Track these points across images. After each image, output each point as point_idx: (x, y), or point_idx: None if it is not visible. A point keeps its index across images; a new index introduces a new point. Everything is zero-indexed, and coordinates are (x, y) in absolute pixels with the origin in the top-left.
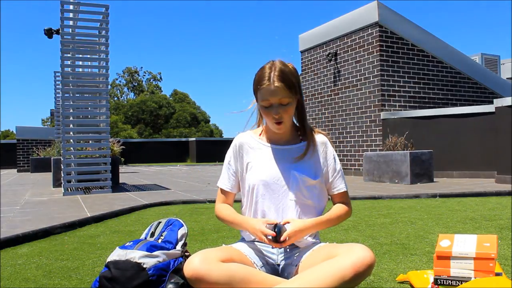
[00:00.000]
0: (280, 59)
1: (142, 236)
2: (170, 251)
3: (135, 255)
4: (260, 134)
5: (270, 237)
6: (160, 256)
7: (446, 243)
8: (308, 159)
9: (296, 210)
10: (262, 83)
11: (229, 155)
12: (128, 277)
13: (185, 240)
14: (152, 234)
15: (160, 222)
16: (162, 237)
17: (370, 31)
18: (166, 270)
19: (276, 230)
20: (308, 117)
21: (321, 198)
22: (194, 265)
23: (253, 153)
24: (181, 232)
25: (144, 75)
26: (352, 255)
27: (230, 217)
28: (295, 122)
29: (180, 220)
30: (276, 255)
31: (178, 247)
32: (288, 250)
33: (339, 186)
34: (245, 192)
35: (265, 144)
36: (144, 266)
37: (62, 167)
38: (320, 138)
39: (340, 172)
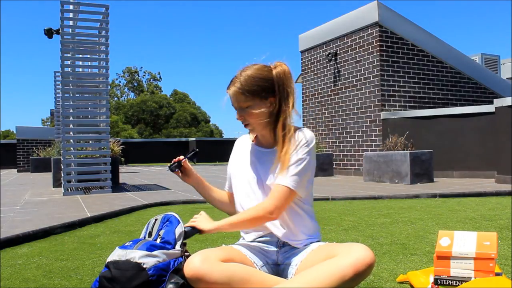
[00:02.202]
0: (263, 63)
1: (141, 236)
2: (170, 251)
3: (135, 255)
4: (255, 137)
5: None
6: (160, 256)
7: (446, 242)
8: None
9: None
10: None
11: (230, 157)
12: (128, 277)
13: (183, 239)
14: (150, 234)
15: (156, 220)
16: (160, 236)
17: (370, 31)
18: (166, 270)
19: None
20: (292, 121)
21: (304, 194)
22: (194, 265)
23: (241, 154)
24: (178, 231)
25: (144, 75)
26: (352, 255)
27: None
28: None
29: (176, 216)
30: (276, 255)
31: (177, 247)
32: (287, 249)
33: (279, 179)
34: (232, 190)
35: (253, 146)
36: (144, 266)
37: (62, 167)
38: (300, 135)
39: (291, 168)
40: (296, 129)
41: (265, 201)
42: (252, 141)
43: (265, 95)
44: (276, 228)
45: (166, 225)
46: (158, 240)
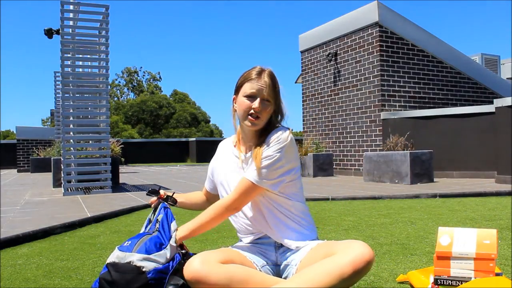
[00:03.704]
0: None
1: (142, 230)
2: (167, 252)
3: (134, 258)
4: (236, 142)
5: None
6: (159, 261)
7: (446, 240)
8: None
9: (263, 214)
10: (251, 77)
11: (213, 158)
12: (128, 280)
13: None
14: (150, 221)
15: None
16: (158, 221)
17: (370, 31)
18: (166, 273)
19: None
20: (284, 121)
21: (288, 193)
22: (194, 267)
23: (223, 161)
24: (173, 226)
25: (143, 75)
26: (350, 252)
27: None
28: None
29: (170, 210)
30: (274, 255)
31: (172, 242)
32: (285, 249)
33: (244, 173)
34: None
35: (236, 154)
36: (144, 269)
37: (62, 167)
38: (274, 134)
39: (258, 162)
40: (273, 128)
41: (227, 196)
42: (234, 145)
43: (276, 97)
44: (262, 227)
45: (165, 211)
46: (157, 225)
